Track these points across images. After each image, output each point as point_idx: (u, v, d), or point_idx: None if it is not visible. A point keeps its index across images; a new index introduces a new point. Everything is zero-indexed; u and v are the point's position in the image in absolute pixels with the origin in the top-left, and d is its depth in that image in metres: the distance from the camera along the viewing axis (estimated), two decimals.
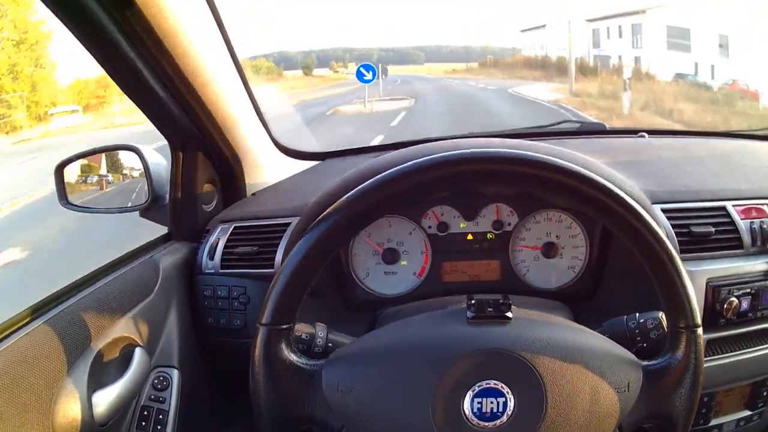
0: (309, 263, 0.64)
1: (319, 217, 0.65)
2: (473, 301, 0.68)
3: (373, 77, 12.15)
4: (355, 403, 0.64)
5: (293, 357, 0.66)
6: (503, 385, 0.62)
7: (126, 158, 1.19)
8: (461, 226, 1.08)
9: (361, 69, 11.03)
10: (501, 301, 0.68)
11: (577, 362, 0.64)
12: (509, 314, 0.67)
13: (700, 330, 0.66)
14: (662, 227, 0.94)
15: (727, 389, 1.05)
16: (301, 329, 0.79)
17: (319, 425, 0.66)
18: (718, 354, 0.99)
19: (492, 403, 0.62)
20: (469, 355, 0.63)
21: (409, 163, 0.64)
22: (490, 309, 0.67)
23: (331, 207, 0.65)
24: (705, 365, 0.68)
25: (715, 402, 1.05)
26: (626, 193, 0.65)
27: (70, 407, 0.77)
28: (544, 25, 22.45)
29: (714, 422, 1.07)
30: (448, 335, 0.66)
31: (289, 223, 1.06)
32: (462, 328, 0.66)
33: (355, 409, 0.64)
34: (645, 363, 0.68)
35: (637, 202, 0.66)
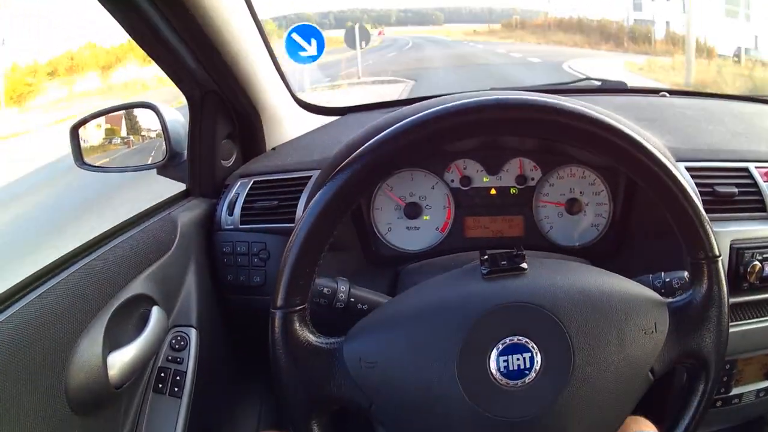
0: (323, 222, 0.62)
1: (339, 167, 0.62)
2: (486, 257, 0.66)
3: (356, 42, 9.51)
4: (380, 376, 0.62)
5: (312, 338, 0.63)
6: (527, 340, 0.60)
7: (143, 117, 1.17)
8: (484, 180, 1.07)
9: (294, 37, 6.01)
10: (515, 253, 0.65)
11: (600, 307, 0.62)
12: (524, 265, 0.64)
13: (720, 261, 0.64)
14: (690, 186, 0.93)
15: (748, 357, 1.03)
16: (323, 284, 0.77)
17: (348, 404, 0.64)
18: (740, 320, 0.98)
19: (518, 360, 0.59)
20: (487, 312, 0.61)
21: (434, 109, 0.61)
22: (504, 262, 0.65)
23: (350, 157, 0.62)
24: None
25: (736, 370, 1.03)
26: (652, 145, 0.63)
27: (84, 370, 0.75)
28: None
29: (735, 391, 1.05)
30: (464, 294, 0.64)
31: (310, 176, 1.04)
32: (478, 285, 0.64)
33: (382, 382, 0.62)
34: (669, 300, 0.66)
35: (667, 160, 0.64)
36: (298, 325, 0.63)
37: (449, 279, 0.68)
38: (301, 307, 0.63)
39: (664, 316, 0.64)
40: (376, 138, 0.62)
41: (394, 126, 0.61)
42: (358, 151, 0.62)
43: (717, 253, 0.64)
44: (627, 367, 0.61)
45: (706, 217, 0.63)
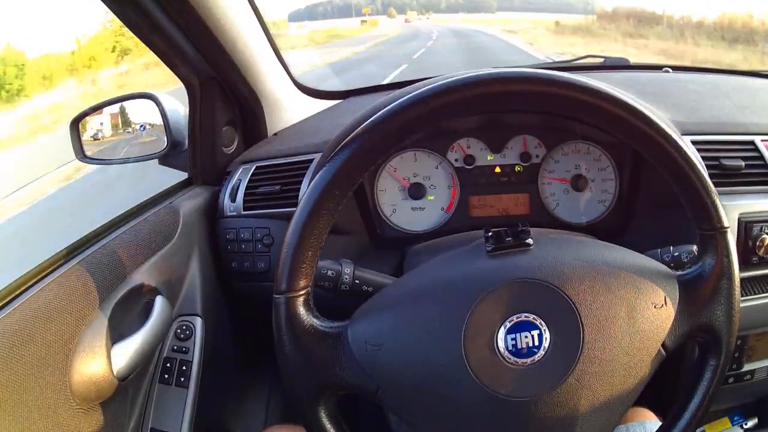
0: (324, 204, 0.60)
1: (338, 148, 0.61)
2: (490, 234, 0.64)
3: None
4: (386, 358, 0.60)
5: (316, 322, 0.62)
6: (535, 317, 0.58)
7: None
8: (488, 158, 1.06)
9: None
10: (520, 228, 0.64)
11: (609, 281, 0.60)
12: (529, 241, 0.63)
13: (729, 232, 0.63)
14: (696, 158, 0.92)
15: (760, 333, 1.02)
16: (327, 266, 0.76)
17: (356, 389, 0.62)
18: (750, 294, 0.97)
19: (527, 337, 0.58)
20: (493, 289, 0.60)
21: (431, 86, 0.60)
22: (509, 239, 0.63)
23: (348, 137, 0.61)
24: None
25: (747, 346, 1.02)
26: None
27: (87, 362, 0.74)
28: None
29: (747, 367, 1.04)
30: (470, 272, 0.62)
31: (312, 160, 1.04)
32: (483, 262, 0.63)
33: (388, 364, 0.60)
34: (679, 273, 0.64)
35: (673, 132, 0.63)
36: (302, 309, 0.61)
37: (453, 257, 0.67)
38: (305, 291, 0.62)
39: (674, 290, 0.62)
40: (373, 117, 0.60)
41: (392, 104, 0.60)
42: (356, 131, 0.60)
43: (726, 224, 0.63)
44: (638, 342, 0.60)
45: (714, 189, 0.62)
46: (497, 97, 0.61)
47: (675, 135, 0.61)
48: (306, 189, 1.00)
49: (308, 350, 0.61)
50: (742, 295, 0.93)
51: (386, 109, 0.60)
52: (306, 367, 0.62)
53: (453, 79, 0.60)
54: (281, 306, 0.61)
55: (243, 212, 1.06)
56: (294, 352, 0.61)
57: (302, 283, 0.61)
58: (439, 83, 0.60)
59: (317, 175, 0.61)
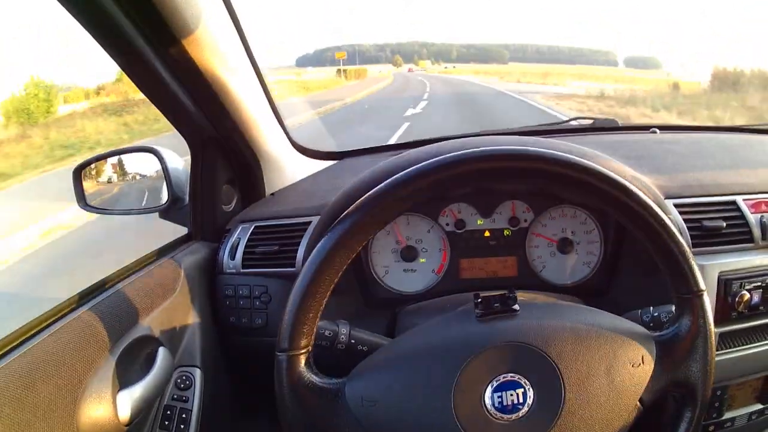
0: (326, 271, 0.65)
1: (338, 218, 0.66)
2: (479, 300, 0.70)
3: None
4: (381, 414, 0.65)
5: (315, 378, 0.67)
6: (520, 377, 0.64)
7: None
8: (478, 223, 1.10)
9: None
10: (507, 294, 0.69)
11: (589, 343, 0.66)
12: (516, 306, 0.69)
13: (705, 295, 0.68)
14: (675, 222, 0.95)
15: (740, 383, 1.06)
16: (325, 326, 0.81)
17: None
18: (730, 347, 1.00)
19: (512, 395, 0.64)
20: (482, 352, 0.65)
21: (426, 162, 0.65)
22: (497, 304, 0.69)
23: (349, 208, 0.66)
24: (717, 359, 0.70)
25: (727, 395, 1.06)
26: (636, 186, 0.67)
27: (94, 407, 0.77)
28: None
29: (727, 415, 1.08)
30: (460, 336, 0.68)
31: (310, 222, 1.07)
32: (472, 326, 0.68)
33: (383, 419, 0.65)
34: (656, 334, 0.70)
35: (649, 196, 0.67)
36: (302, 367, 0.66)
37: (445, 321, 0.72)
38: (305, 350, 0.66)
39: (651, 349, 0.68)
40: (373, 190, 0.65)
41: (391, 179, 0.65)
42: (356, 203, 0.65)
43: (702, 288, 0.68)
44: (616, 398, 0.65)
45: (690, 254, 0.67)
46: (489, 173, 0.66)
47: (653, 203, 0.66)
48: (303, 251, 1.04)
49: (308, 405, 0.66)
50: (721, 349, 0.98)
51: (384, 183, 0.65)
52: (306, 420, 0.66)
53: (441, 158, 0.65)
54: (283, 363, 0.66)
55: (242, 270, 1.09)
56: (294, 406, 0.66)
57: (303, 342, 0.66)
58: (428, 162, 0.65)
59: (319, 243, 0.65)
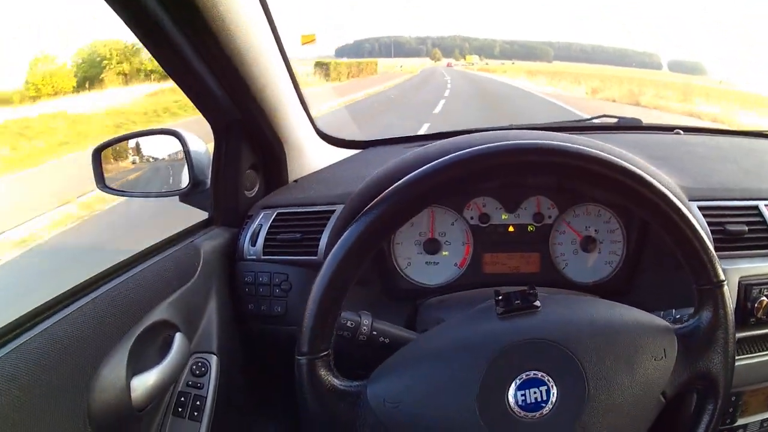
0: (348, 266, 0.65)
1: (363, 210, 0.65)
2: (500, 297, 0.69)
3: None
4: (404, 415, 0.65)
5: (336, 381, 0.67)
6: (543, 374, 0.64)
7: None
8: (503, 217, 1.09)
9: None
10: (528, 291, 0.69)
11: (610, 337, 0.66)
12: (537, 303, 0.68)
13: (725, 286, 0.68)
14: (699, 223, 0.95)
15: (754, 389, 1.06)
16: (347, 317, 0.80)
17: None
18: (747, 353, 1.00)
19: (535, 393, 0.63)
20: (504, 350, 0.65)
21: (457, 153, 0.64)
22: (518, 302, 0.69)
23: (376, 199, 0.65)
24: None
25: (741, 401, 1.05)
26: (663, 185, 0.67)
27: (107, 392, 0.76)
28: None
29: (740, 422, 1.07)
30: (482, 334, 0.68)
31: (334, 211, 1.06)
32: (493, 324, 0.68)
33: (406, 420, 0.65)
34: (677, 327, 0.69)
35: (675, 196, 0.67)
36: (322, 371, 0.66)
37: (466, 320, 0.71)
38: (326, 353, 0.66)
39: (672, 343, 0.68)
40: (400, 182, 0.65)
41: (426, 166, 0.65)
42: (386, 191, 0.65)
43: (722, 279, 0.68)
44: (639, 392, 0.65)
45: (710, 245, 0.67)
46: (514, 167, 0.66)
47: (669, 193, 0.66)
48: (326, 240, 1.02)
49: (329, 408, 0.66)
50: (740, 354, 0.98)
51: (411, 175, 0.65)
52: (328, 423, 0.66)
53: (465, 151, 0.65)
54: (303, 367, 0.65)
55: (263, 257, 1.08)
56: (316, 410, 0.66)
57: (323, 345, 0.66)
58: (452, 156, 0.65)
59: (341, 237, 0.65)
